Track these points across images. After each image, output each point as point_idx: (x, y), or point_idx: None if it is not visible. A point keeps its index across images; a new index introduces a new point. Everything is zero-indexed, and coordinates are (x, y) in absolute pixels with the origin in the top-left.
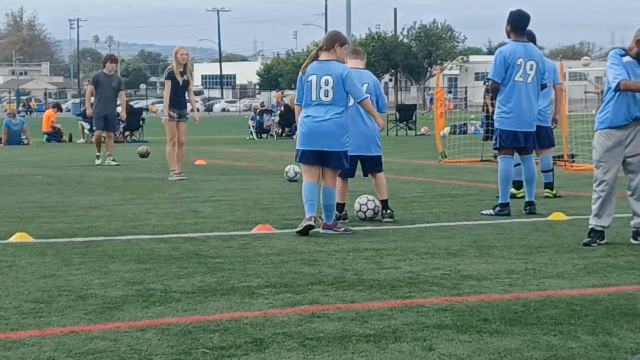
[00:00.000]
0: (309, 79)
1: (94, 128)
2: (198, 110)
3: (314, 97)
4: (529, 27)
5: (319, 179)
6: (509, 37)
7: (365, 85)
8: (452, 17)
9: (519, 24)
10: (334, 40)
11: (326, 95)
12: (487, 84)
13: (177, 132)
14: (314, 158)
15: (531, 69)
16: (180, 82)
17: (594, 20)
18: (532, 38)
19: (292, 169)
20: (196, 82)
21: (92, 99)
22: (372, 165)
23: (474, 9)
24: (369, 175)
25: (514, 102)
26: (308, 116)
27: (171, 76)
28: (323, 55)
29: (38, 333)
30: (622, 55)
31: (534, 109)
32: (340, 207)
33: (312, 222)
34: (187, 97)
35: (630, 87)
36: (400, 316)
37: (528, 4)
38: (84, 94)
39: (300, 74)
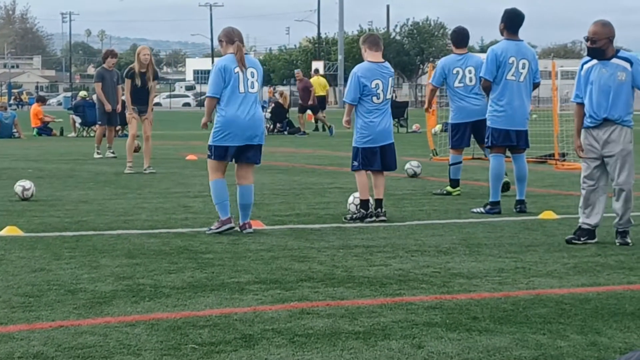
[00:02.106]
0: (236, 70)
1: (99, 122)
2: (152, 109)
3: (241, 89)
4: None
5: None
6: (502, 35)
7: (391, 80)
8: (444, 14)
9: (512, 22)
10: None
11: (252, 87)
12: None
13: (143, 127)
14: (235, 153)
15: (523, 68)
16: (139, 83)
17: (587, 18)
18: (463, 36)
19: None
20: (188, 77)
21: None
22: (393, 154)
23: (466, 7)
24: (384, 170)
25: (506, 101)
26: (237, 110)
27: (131, 76)
28: (240, 49)
29: (27, 327)
30: (585, 63)
31: (526, 107)
32: (366, 203)
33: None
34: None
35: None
36: (389, 313)
37: (521, 2)
38: (75, 87)
39: (219, 66)
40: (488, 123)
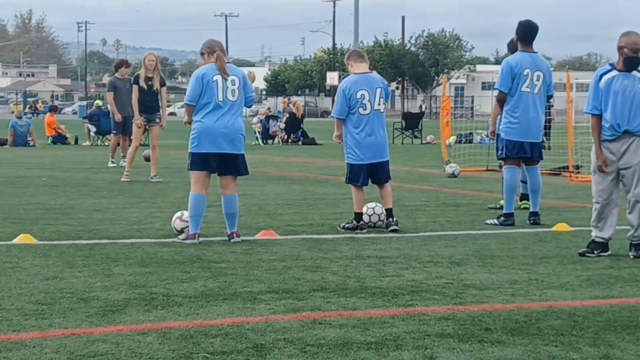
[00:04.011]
0: (214, 78)
1: (113, 132)
2: (168, 114)
3: (220, 97)
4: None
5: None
6: (516, 47)
7: (379, 90)
8: (460, 26)
9: (526, 34)
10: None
11: (233, 95)
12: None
13: (150, 136)
14: (215, 162)
15: (538, 80)
16: (146, 87)
17: (602, 31)
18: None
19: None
20: None
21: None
22: (385, 171)
23: (482, 19)
24: (379, 184)
25: (521, 112)
26: (214, 118)
27: (136, 81)
28: (220, 57)
29: (40, 335)
30: (604, 74)
31: (540, 119)
32: (359, 215)
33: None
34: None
35: (592, 132)
36: (401, 324)
37: (536, 14)
38: (90, 96)
39: (197, 74)
40: (502, 135)
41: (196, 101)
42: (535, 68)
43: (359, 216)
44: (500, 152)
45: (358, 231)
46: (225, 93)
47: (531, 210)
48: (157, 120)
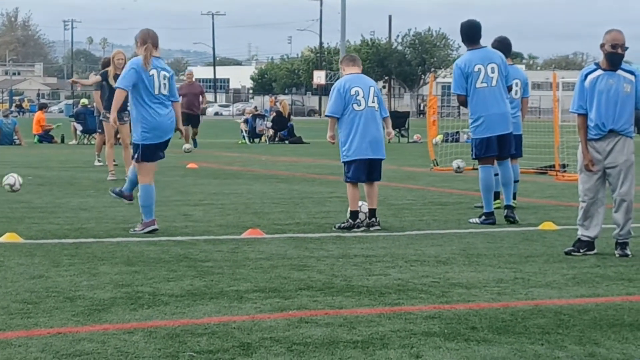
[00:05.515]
0: (151, 73)
1: (99, 130)
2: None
3: (156, 92)
4: (504, 34)
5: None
6: (495, 46)
7: (372, 89)
8: (446, 25)
9: (468, 34)
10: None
11: (164, 88)
12: None
13: (120, 134)
14: (160, 152)
15: (493, 72)
16: (114, 86)
17: (588, 30)
18: (505, 46)
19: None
20: None
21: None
22: (379, 169)
23: (468, 17)
24: (368, 182)
25: (481, 108)
26: (160, 112)
27: (104, 78)
28: (155, 52)
29: (25, 334)
30: (589, 73)
31: (504, 110)
32: (355, 214)
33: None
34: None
35: (578, 131)
36: (388, 323)
37: (522, 13)
38: (77, 95)
39: (136, 63)
40: (471, 135)
41: (130, 88)
42: (488, 61)
43: (355, 214)
44: (472, 152)
45: (355, 229)
46: (160, 87)
47: (505, 203)
48: (126, 118)
